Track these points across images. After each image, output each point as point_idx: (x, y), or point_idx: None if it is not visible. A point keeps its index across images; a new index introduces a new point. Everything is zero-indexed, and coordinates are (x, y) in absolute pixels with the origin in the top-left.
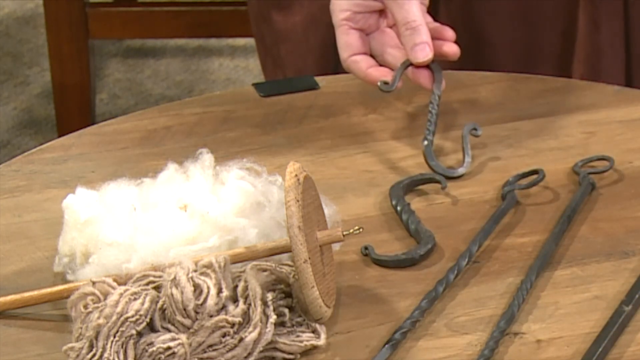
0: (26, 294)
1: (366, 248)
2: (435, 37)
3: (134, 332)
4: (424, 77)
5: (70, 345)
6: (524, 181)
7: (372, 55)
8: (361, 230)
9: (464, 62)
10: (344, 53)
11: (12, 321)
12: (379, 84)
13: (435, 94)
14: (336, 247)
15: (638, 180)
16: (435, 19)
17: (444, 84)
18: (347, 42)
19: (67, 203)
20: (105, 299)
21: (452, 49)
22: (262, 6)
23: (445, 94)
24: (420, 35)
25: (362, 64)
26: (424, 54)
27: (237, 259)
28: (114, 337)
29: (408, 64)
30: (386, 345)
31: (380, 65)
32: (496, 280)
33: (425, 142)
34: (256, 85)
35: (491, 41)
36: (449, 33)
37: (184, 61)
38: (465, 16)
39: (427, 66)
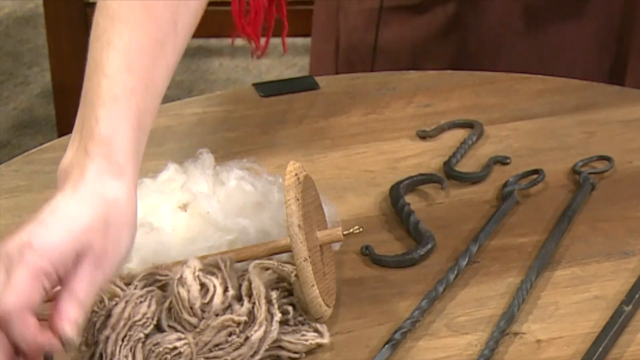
0: None
1: (366, 248)
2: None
3: (141, 335)
4: None
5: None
6: (524, 181)
7: None
8: (361, 230)
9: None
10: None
11: None
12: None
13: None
14: (336, 247)
15: (638, 180)
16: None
17: None
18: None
19: None
20: (111, 299)
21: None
22: None
23: (444, 93)
24: (77, 312)
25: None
26: (70, 327)
27: (237, 259)
28: (122, 341)
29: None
30: (386, 345)
31: None
32: (496, 280)
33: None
34: (256, 85)
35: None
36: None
37: (184, 61)
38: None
39: None
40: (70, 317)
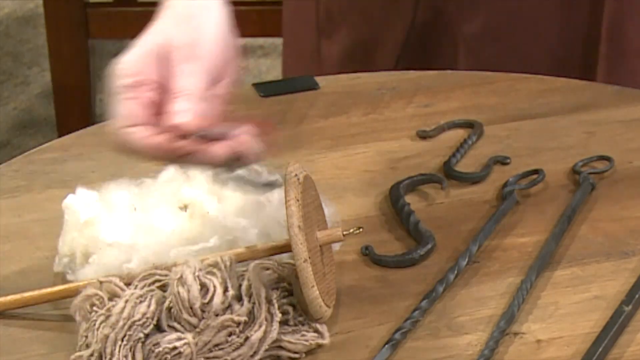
0: (26, 294)
1: (366, 248)
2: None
3: (141, 335)
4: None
5: (78, 354)
6: (524, 181)
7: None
8: (361, 230)
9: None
10: (120, 123)
11: (12, 321)
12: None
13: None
14: (336, 247)
15: (638, 180)
16: None
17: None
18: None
19: (67, 203)
20: (111, 299)
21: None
22: None
23: (444, 93)
24: (187, 103)
25: (139, 134)
26: (185, 118)
27: (237, 259)
28: (122, 341)
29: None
30: (386, 345)
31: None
32: (496, 280)
33: None
34: (256, 85)
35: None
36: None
37: None
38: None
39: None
40: (175, 109)
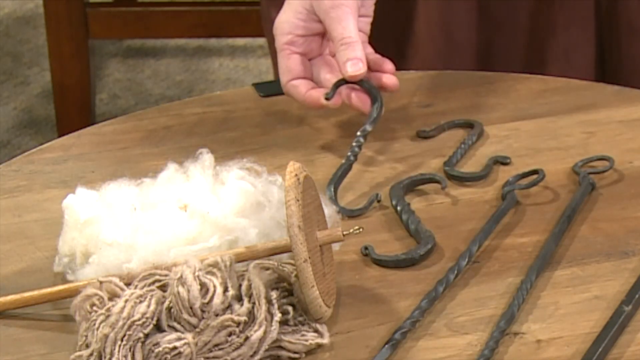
0: (26, 294)
1: (366, 248)
2: (374, 69)
3: (141, 335)
4: (361, 101)
5: (77, 354)
6: (524, 181)
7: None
8: (361, 230)
9: (435, 63)
10: (284, 77)
11: (12, 321)
12: (323, 95)
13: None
14: (336, 247)
15: (638, 180)
16: (412, 22)
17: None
18: (288, 66)
19: (67, 203)
20: (111, 299)
21: (390, 81)
22: (264, 5)
23: (444, 93)
24: (355, 51)
25: (301, 87)
26: (356, 68)
27: (238, 259)
28: (122, 341)
29: (342, 82)
30: (386, 345)
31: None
32: (496, 280)
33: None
34: (256, 85)
35: (460, 42)
36: (389, 65)
37: (184, 61)
38: (441, 17)
39: (366, 91)
40: (345, 57)
